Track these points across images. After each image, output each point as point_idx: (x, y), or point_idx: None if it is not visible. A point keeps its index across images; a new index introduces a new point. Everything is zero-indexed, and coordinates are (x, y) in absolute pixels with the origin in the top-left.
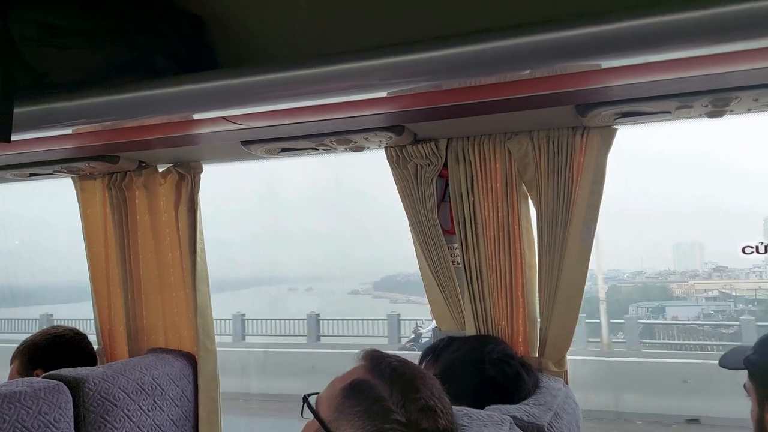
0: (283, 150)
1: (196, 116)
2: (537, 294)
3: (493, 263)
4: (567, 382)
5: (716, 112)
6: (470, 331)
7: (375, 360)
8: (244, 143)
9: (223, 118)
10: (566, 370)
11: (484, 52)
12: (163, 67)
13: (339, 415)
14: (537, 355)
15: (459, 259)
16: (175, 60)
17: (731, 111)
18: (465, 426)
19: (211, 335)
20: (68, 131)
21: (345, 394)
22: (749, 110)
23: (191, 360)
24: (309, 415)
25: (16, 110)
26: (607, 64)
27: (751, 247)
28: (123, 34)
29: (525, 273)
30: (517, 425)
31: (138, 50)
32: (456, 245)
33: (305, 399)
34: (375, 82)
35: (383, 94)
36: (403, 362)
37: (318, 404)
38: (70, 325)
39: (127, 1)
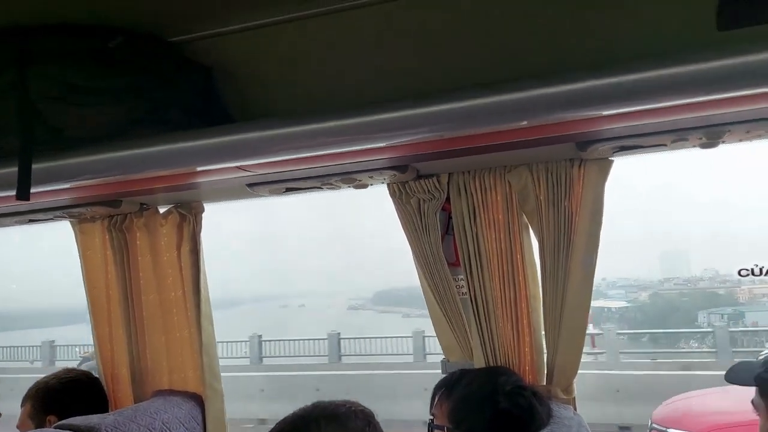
0: (288, 189)
1: (210, 167)
2: (542, 323)
3: (498, 294)
4: (575, 409)
5: (709, 144)
6: (478, 361)
7: None
8: (250, 185)
9: (236, 167)
10: (574, 397)
11: (485, 105)
12: (178, 119)
13: None
14: (545, 383)
15: (465, 290)
16: (189, 112)
17: (723, 142)
18: None
19: (217, 375)
20: (82, 184)
21: None
22: (740, 140)
23: (198, 401)
24: None
25: (33, 166)
26: (602, 113)
27: (747, 270)
28: (141, 89)
29: (530, 302)
30: None
31: (154, 104)
32: (461, 277)
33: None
34: (380, 134)
35: (388, 144)
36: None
37: None
38: (82, 369)
39: (145, 57)
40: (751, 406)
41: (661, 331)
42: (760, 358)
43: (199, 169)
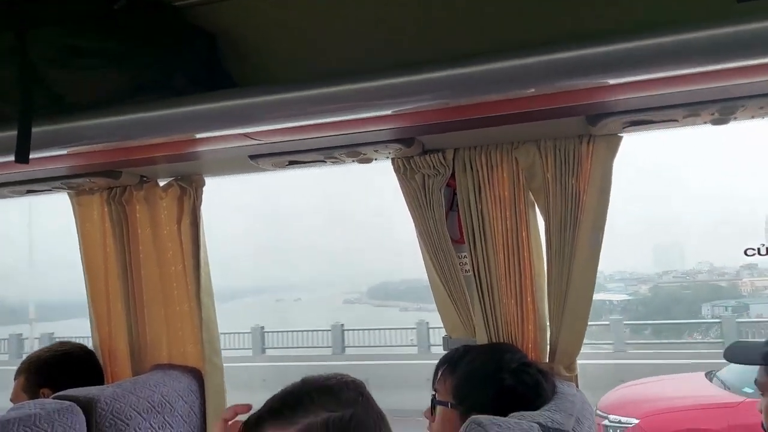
0: (291, 163)
1: (213, 134)
2: (546, 300)
3: (503, 271)
4: (578, 386)
5: (722, 120)
6: (481, 338)
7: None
8: (252, 157)
9: (240, 134)
10: (576, 375)
11: (491, 72)
12: (181, 85)
13: None
14: (548, 361)
15: (468, 267)
16: (193, 79)
17: (736, 118)
18: None
19: (217, 349)
20: (83, 150)
21: None
22: (753, 117)
23: (197, 375)
24: None
25: (32, 130)
26: (614, 80)
27: (753, 249)
28: (142, 54)
29: (534, 280)
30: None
31: (156, 70)
32: (465, 254)
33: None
34: (386, 101)
35: (393, 111)
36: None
37: None
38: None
39: (148, 21)
40: (690, 393)
41: (666, 322)
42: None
43: (201, 135)
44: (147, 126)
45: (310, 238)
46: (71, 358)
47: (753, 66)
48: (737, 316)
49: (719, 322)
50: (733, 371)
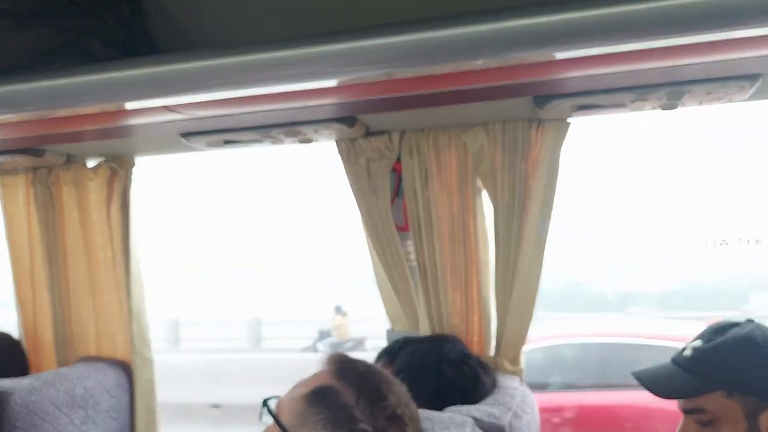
0: (227, 142)
1: (134, 105)
2: (492, 291)
3: (448, 260)
4: (522, 380)
5: (670, 105)
6: (424, 330)
7: (341, 365)
8: (184, 135)
9: (164, 107)
10: (522, 368)
11: (436, 40)
12: (99, 52)
13: (301, 421)
14: (493, 354)
15: (413, 256)
16: (112, 45)
17: (683, 104)
18: (427, 430)
19: (147, 342)
20: None
21: (308, 400)
22: (701, 103)
23: (127, 369)
24: (268, 419)
25: None
26: (562, 55)
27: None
28: (54, 16)
29: (480, 270)
30: (480, 426)
31: (70, 34)
32: (410, 242)
33: (265, 403)
34: (322, 70)
35: (333, 83)
36: (370, 367)
37: (279, 409)
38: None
39: None
40: None
41: None
42: (684, 353)
43: (123, 106)
44: (58, 94)
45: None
46: None
47: (700, 44)
48: None
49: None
50: None
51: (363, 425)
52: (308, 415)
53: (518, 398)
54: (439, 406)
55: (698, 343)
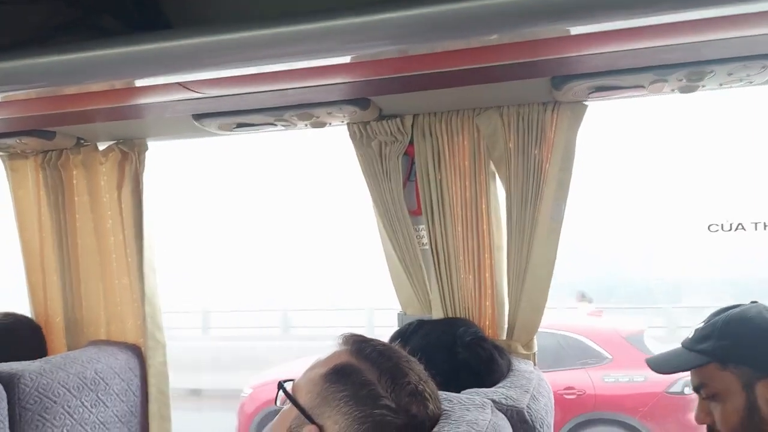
0: (239, 125)
1: (144, 81)
2: (505, 275)
3: (461, 244)
4: (535, 365)
5: (689, 87)
6: (437, 315)
7: (359, 344)
8: (196, 117)
9: (176, 83)
10: (535, 353)
11: (450, 13)
12: (110, 26)
13: (322, 401)
14: (505, 338)
15: (425, 240)
16: (123, 19)
17: (704, 86)
18: (447, 411)
19: (159, 325)
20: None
21: (329, 379)
22: (721, 85)
23: (137, 352)
24: (284, 403)
25: None
26: (579, 29)
27: (717, 225)
28: None
29: (493, 254)
30: (498, 408)
31: (82, 7)
32: (422, 226)
33: (281, 385)
34: (337, 45)
35: (346, 59)
36: (388, 347)
37: (295, 391)
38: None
39: None
40: None
41: None
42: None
43: (133, 83)
44: (69, 70)
45: None
46: (15, 330)
47: (722, 18)
48: None
49: None
50: None
51: (386, 401)
52: (330, 393)
53: (534, 381)
54: (454, 388)
55: (701, 324)
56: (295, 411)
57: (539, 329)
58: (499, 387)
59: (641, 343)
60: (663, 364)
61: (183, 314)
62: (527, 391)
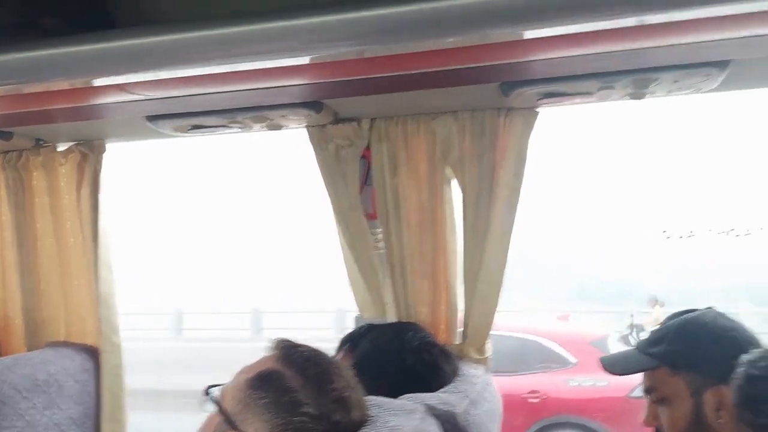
0: (194, 127)
1: (90, 82)
2: (460, 280)
3: (416, 249)
4: (488, 369)
5: (637, 94)
6: (392, 318)
7: (286, 349)
8: (150, 119)
9: (119, 85)
10: (488, 357)
11: (404, 15)
12: (51, 26)
13: (244, 407)
14: (459, 342)
15: (381, 244)
16: (66, 20)
17: (652, 93)
18: (374, 417)
19: (115, 327)
20: None
21: (252, 385)
22: (669, 93)
23: (94, 354)
24: (211, 408)
25: None
26: (529, 33)
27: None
28: None
29: (448, 258)
30: (433, 413)
31: (21, 9)
32: (379, 230)
33: (207, 391)
34: (289, 46)
35: (300, 60)
36: (316, 352)
37: (222, 396)
38: None
39: None
40: None
41: None
42: (641, 338)
43: (78, 84)
44: (8, 70)
45: None
46: None
47: (667, 25)
48: None
49: None
50: None
51: (307, 408)
52: (252, 399)
53: (479, 386)
54: (400, 393)
55: (657, 327)
56: (220, 416)
57: (506, 333)
58: (440, 392)
59: (605, 347)
60: (615, 365)
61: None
62: (467, 396)
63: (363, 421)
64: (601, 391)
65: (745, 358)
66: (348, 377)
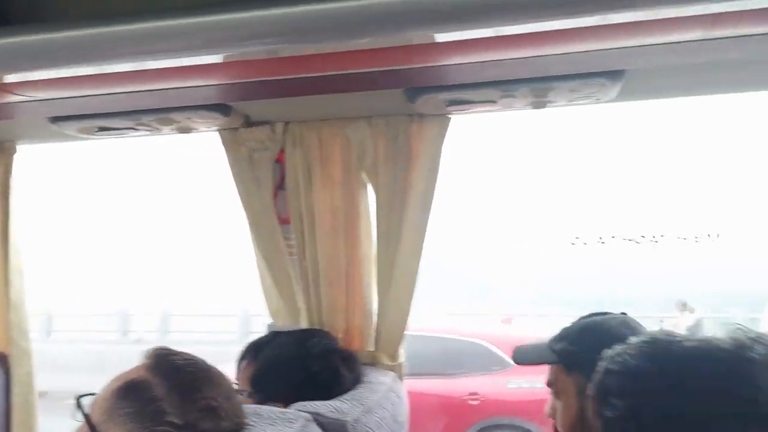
0: (101, 129)
1: None
2: (374, 286)
3: (330, 255)
4: (401, 376)
5: (538, 103)
6: (305, 325)
7: (158, 358)
8: (54, 120)
9: (21, 84)
10: (401, 363)
11: (308, 14)
12: None
13: (109, 417)
14: (373, 349)
15: (294, 250)
16: None
17: (552, 102)
18: (251, 425)
19: (25, 332)
20: None
21: (118, 395)
22: (569, 102)
23: (3, 361)
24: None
25: None
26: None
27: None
28: None
29: (362, 264)
30: (321, 422)
31: None
32: (292, 236)
33: (78, 400)
34: (193, 44)
35: (205, 59)
36: (189, 361)
37: (93, 405)
38: None
39: None
40: None
41: None
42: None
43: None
44: None
45: None
46: None
47: (563, 32)
48: None
49: None
50: None
51: (172, 418)
52: (116, 409)
53: (380, 394)
54: (302, 401)
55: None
56: (86, 426)
57: (448, 336)
58: (335, 400)
59: None
60: (523, 355)
61: None
62: (362, 404)
63: (236, 431)
64: (539, 393)
65: (607, 352)
66: (223, 386)
